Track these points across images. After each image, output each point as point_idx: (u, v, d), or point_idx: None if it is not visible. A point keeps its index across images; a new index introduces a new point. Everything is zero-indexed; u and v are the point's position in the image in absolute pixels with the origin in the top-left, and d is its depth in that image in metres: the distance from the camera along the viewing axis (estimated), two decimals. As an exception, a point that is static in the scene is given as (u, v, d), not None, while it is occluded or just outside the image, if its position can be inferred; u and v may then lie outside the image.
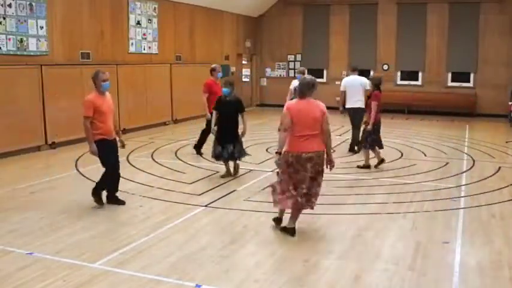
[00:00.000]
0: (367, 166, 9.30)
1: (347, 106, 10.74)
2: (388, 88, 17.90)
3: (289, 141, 5.63)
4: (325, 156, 5.76)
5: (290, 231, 5.80)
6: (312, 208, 5.86)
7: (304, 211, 5.95)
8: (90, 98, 6.68)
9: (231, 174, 8.53)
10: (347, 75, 12.89)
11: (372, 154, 9.34)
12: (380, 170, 9.20)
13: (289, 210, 5.90)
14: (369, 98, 9.52)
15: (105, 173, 6.88)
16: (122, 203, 6.95)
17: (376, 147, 9.33)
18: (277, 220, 6.07)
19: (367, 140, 9.23)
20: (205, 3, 16.71)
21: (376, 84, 9.22)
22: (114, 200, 6.95)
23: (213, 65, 10.45)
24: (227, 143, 8.26)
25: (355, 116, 10.59)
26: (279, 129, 5.99)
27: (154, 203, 7.06)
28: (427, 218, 6.51)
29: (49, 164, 10.08)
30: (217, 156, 8.38)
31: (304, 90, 5.67)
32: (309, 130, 5.60)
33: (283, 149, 5.66)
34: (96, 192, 6.88)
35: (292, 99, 11.24)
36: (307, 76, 5.88)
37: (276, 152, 5.73)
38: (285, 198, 5.76)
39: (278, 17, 20.29)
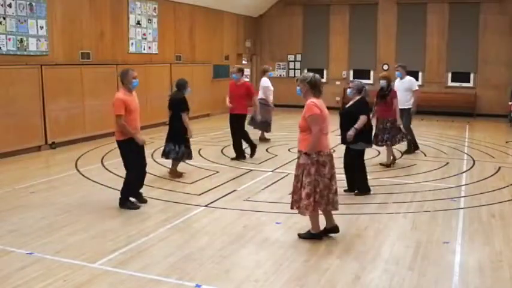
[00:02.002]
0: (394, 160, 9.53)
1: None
2: (388, 88, 17.91)
3: (321, 140, 5.50)
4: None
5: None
6: (291, 207, 5.76)
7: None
8: (120, 96, 6.58)
9: None
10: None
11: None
12: (380, 170, 9.20)
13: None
14: (378, 97, 9.53)
15: (129, 178, 6.69)
16: (144, 201, 6.88)
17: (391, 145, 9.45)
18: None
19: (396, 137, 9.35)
20: (205, 3, 16.71)
21: (389, 82, 9.44)
22: (137, 197, 6.88)
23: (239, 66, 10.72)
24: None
25: (407, 116, 10.43)
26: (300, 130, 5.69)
27: (155, 203, 7.06)
28: (427, 218, 6.51)
29: (49, 164, 10.08)
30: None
31: (321, 89, 5.62)
32: (327, 127, 5.61)
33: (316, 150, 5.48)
34: (124, 203, 6.70)
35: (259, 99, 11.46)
36: (314, 74, 5.72)
37: (306, 154, 5.48)
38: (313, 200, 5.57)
39: (278, 17, 20.29)
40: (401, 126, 9.43)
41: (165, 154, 8.42)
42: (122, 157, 6.78)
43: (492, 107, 17.68)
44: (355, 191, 7.52)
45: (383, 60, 19.10)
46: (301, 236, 5.77)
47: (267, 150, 10.97)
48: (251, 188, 7.90)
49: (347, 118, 7.39)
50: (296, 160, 5.74)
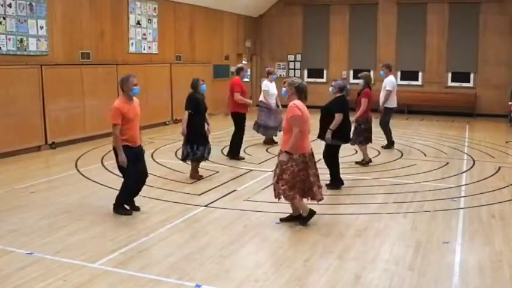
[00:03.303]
0: (368, 161, 9.56)
1: (392, 105, 11.23)
2: (388, 88, 17.91)
3: (302, 141, 5.95)
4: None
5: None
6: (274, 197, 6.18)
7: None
8: (117, 105, 6.37)
9: None
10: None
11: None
12: (380, 170, 9.20)
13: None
14: (358, 95, 9.65)
15: (125, 185, 6.54)
16: (137, 209, 6.63)
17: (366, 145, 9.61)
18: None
19: (362, 137, 9.44)
20: (205, 3, 16.71)
21: (367, 82, 9.62)
22: (130, 204, 6.65)
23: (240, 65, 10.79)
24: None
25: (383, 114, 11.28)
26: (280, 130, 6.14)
27: (155, 203, 7.06)
28: (427, 218, 6.51)
29: (49, 164, 10.08)
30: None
31: (306, 95, 6.07)
32: (309, 129, 6.07)
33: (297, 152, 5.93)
34: (117, 208, 6.56)
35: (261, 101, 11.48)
36: (301, 81, 6.17)
37: (287, 152, 5.90)
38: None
39: (278, 17, 20.29)
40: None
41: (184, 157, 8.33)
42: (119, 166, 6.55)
43: (492, 107, 17.68)
44: (326, 183, 7.79)
45: (383, 60, 19.01)
46: (301, 224, 6.15)
47: (267, 150, 10.97)
48: (251, 188, 7.90)
49: (324, 114, 7.76)
50: None
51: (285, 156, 5.88)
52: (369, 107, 9.47)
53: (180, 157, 8.58)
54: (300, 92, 5.99)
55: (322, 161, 7.88)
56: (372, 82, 10.02)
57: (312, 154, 6.11)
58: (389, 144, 11.25)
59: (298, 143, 5.84)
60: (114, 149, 6.48)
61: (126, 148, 6.38)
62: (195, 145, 8.14)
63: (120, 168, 6.48)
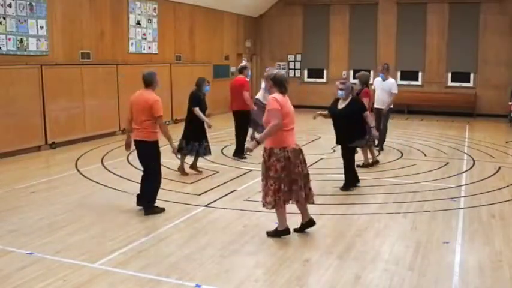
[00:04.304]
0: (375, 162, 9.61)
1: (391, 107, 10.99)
2: (388, 88, 17.91)
3: (282, 135, 5.53)
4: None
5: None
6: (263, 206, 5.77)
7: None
8: (158, 97, 6.47)
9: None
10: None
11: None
12: (380, 170, 9.20)
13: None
14: (357, 94, 9.62)
15: (158, 181, 6.64)
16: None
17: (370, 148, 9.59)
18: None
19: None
20: (205, 3, 16.71)
21: (365, 82, 9.58)
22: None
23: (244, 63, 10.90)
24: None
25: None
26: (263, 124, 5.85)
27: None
28: (427, 218, 6.51)
29: (49, 164, 10.08)
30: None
31: (286, 86, 5.68)
32: (293, 123, 5.66)
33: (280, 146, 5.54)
34: (152, 208, 6.55)
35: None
36: (279, 71, 5.89)
37: (258, 142, 5.64)
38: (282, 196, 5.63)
39: (278, 17, 20.29)
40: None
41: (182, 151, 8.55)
42: (152, 159, 6.56)
43: (492, 107, 17.68)
44: (342, 187, 7.75)
45: (383, 60, 19.01)
46: (269, 235, 5.79)
47: (267, 150, 10.95)
48: (251, 188, 7.90)
49: (347, 119, 7.49)
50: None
51: (268, 154, 5.56)
52: (369, 107, 9.43)
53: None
54: (278, 83, 5.61)
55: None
56: (370, 82, 10.02)
57: (300, 151, 5.69)
58: (381, 147, 10.92)
59: (272, 135, 5.47)
60: (152, 144, 6.53)
61: (157, 143, 6.60)
62: (191, 141, 8.48)
63: (154, 163, 6.61)
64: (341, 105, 7.58)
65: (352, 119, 7.48)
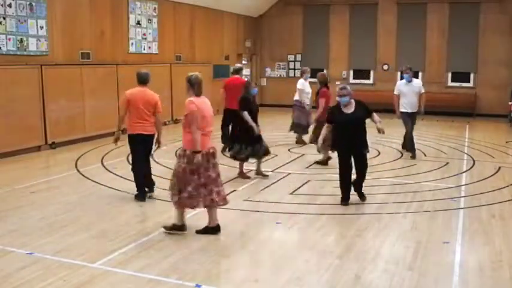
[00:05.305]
0: (327, 159, 9.49)
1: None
2: (389, 88, 17.87)
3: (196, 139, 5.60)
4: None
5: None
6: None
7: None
8: None
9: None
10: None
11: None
12: (380, 170, 9.19)
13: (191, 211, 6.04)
14: (316, 95, 9.68)
15: None
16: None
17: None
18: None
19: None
20: (205, 3, 16.71)
21: (325, 82, 9.69)
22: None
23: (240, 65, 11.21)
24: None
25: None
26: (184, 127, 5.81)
27: (155, 203, 7.06)
28: (427, 218, 6.51)
29: (49, 164, 10.08)
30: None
31: (200, 88, 5.79)
32: (209, 126, 5.75)
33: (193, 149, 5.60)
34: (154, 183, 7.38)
35: (297, 100, 11.41)
36: (196, 74, 5.91)
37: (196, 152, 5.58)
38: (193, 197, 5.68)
39: (278, 17, 20.28)
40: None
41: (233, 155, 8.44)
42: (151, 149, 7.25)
43: (492, 107, 17.67)
44: (362, 197, 7.16)
45: (383, 60, 19.11)
46: (164, 226, 5.88)
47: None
48: (251, 188, 7.90)
49: (360, 122, 6.94)
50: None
51: (181, 155, 5.68)
52: (326, 108, 9.35)
53: (230, 153, 8.55)
54: (192, 85, 5.73)
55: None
56: (329, 80, 10.07)
57: (212, 155, 5.72)
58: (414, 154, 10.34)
59: (197, 138, 5.52)
60: (148, 136, 7.05)
61: None
62: (243, 144, 8.23)
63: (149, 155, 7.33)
64: (348, 110, 6.93)
65: (363, 123, 6.97)
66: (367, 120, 7.05)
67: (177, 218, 5.81)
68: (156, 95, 7.05)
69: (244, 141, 8.24)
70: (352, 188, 7.12)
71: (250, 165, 8.67)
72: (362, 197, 7.18)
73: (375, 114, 7.09)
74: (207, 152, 5.66)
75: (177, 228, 5.81)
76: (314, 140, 9.40)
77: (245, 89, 8.49)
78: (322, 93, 9.59)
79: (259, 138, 8.38)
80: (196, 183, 5.62)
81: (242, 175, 8.50)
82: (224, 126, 10.79)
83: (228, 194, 7.46)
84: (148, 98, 6.97)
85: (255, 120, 8.30)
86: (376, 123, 7.00)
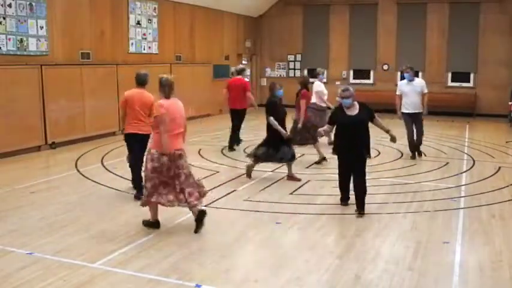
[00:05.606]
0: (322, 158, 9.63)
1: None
2: (389, 88, 17.90)
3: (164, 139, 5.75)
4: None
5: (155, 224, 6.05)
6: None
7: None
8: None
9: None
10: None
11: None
12: (380, 170, 9.19)
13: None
14: (297, 96, 9.75)
15: None
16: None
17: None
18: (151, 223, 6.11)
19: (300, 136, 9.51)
20: (205, 3, 16.71)
21: (306, 84, 9.72)
22: None
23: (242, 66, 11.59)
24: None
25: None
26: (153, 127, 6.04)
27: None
28: (427, 218, 6.51)
29: (49, 164, 10.09)
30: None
31: (170, 90, 5.90)
32: (179, 128, 5.87)
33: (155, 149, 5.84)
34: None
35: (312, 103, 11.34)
36: (167, 76, 6.01)
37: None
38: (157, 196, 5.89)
39: (278, 17, 20.29)
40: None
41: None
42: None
43: (492, 107, 17.67)
44: (360, 209, 6.68)
45: (383, 60, 19.11)
46: (144, 222, 6.07)
47: (267, 150, 10.96)
48: (251, 188, 7.90)
49: (364, 125, 6.65)
50: None
51: (148, 151, 5.95)
52: (305, 109, 9.54)
53: (252, 151, 8.51)
54: (162, 87, 5.90)
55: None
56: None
57: (179, 156, 5.83)
58: (415, 154, 10.29)
59: (164, 141, 5.70)
60: (146, 136, 7.13)
61: None
62: (272, 148, 8.13)
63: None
64: (352, 112, 6.65)
65: (366, 126, 6.66)
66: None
67: (151, 214, 6.04)
68: (152, 96, 7.01)
69: (273, 145, 8.15)
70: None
71: (240, 164, 8.67)
72: (361, 209, 6.67)
73: (379, 119, 6.82)
74: (173, 153, 5.79)
75: (149, 225, 6.02)
76: (305, 139, 9.58)
77: (270, 92, 8.44)
78: (302, 95, 9.57)
79: (287, 142, 8.24)
80: (155, 182, 5.81)
81: (249, 172, 8.51)
82: (234, 128, 11.06)
83: (228, 194, 7.51)
84: (145, 99, 7.03)
85: (283, 123, 8.21)
86: (385, 130, 6.81)
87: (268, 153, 8.21)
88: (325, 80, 11.80)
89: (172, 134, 5.78)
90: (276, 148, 8.16)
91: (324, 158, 9.62)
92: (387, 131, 6.87)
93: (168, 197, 5.86)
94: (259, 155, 8.29)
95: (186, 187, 5.88)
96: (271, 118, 8.13)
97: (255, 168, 8.52)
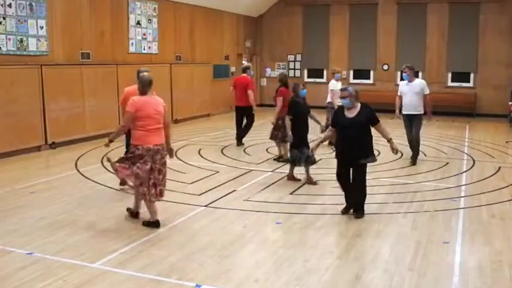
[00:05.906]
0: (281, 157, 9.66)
1: None
2: (389, 88, 17.93)
3: (138, 134, 5.92)
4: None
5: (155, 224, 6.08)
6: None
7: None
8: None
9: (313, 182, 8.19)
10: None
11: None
12: (380, 170, 9.19)
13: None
14: (276, 92, 9.71)
15: None
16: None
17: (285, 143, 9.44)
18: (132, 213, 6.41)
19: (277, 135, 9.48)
20: (205, 3, 16.71)
21: (285, 82, 9.64)
22: None
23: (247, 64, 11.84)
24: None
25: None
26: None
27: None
28: (427, 218, 6.51)
29: (49, 164, 10.08)
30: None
31: (146, 87, 5.99)
32: (155, 123, 5.94)
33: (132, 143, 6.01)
34: None
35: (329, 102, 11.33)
36: (145, 73, 6.14)
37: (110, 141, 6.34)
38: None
39: (278, 17, 20.29)
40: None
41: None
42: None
43: (492, 107, 17.67)
44: (356, 213, 6.55)
45: (383, 60, 19.11)
46: (143, 224, 6.15)
47: (266, 150, 10.97)
48: (251, 188, 7.90)
49: (361, 128, 6.42)
50: None
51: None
52: (284, 104, 9.22)
53: (289, 159, 8.36)
54: (139, 84, 6.03)
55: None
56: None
57: (156, 151, 5.94)
58: (415, 161, 9.89)
59: (119, 135, 6.28)
60: None
61: None
62: (301, 148, 8.02)
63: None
64: (351, 113, 6.45)
65: (366, 129, 6.46)
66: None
67: (137, 203, 6.29)
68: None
69: (298, 147, 8.04)
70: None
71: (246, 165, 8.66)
72: (357, 212, 6.55)
73: (382, 126, 6.55)
74: (149, 147, 5.90)
75: (148, 225, 6.09)
76: (274, 136, 9.58)
77: (294, 92, 8.33)
78: (280, 92, 9.43)
79: (306, 144, 8.13)
80: (143, 173, 5.92)
81: (292, 178, 8.31)
82: (237, 124, 11.58)
83: (228, 194, 7.51)
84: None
85: (306, 123, 8.15)
86: (387, 139, 6.61)
87: (299, 155, 8.04)
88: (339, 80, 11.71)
89: (148, 129, 5.89)
90: (300, 148, 8.02)
91: (282, 157, 9.59)
92: (388, 140, 6.68)
93: (142, 189, 5.98)
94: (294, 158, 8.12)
95: (159, 184, 6.03)
96: (287, 118, 8.11)
97: (255, 168, 8.52)
